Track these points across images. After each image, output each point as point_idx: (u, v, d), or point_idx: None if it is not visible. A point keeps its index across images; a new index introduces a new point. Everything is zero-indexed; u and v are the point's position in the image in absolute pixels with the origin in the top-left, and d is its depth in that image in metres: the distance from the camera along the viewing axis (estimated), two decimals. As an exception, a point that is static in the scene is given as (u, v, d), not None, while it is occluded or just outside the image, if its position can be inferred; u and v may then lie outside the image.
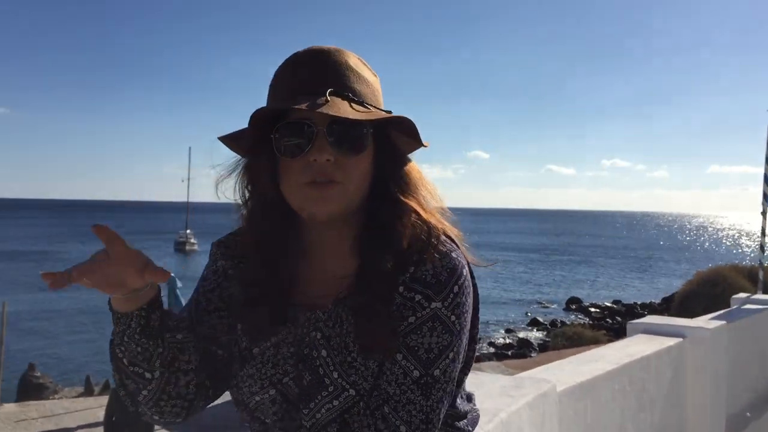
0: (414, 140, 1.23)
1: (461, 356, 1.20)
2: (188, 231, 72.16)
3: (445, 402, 1.18)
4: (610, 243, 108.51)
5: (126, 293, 1.10)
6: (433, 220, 1.23)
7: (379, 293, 1.16)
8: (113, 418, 8.25)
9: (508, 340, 29.81)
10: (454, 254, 1.19)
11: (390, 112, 1.22)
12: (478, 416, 1.41)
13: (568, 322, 33.05)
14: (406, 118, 1.18)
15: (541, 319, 35.29)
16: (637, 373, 3.84)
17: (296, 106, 1.10)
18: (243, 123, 1.16)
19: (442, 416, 1.18)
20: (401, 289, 1.16)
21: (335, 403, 1.18)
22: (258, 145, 1.18)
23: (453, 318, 1.15)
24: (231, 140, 1.21)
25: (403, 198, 1.21)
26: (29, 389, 14.29)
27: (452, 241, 1.24)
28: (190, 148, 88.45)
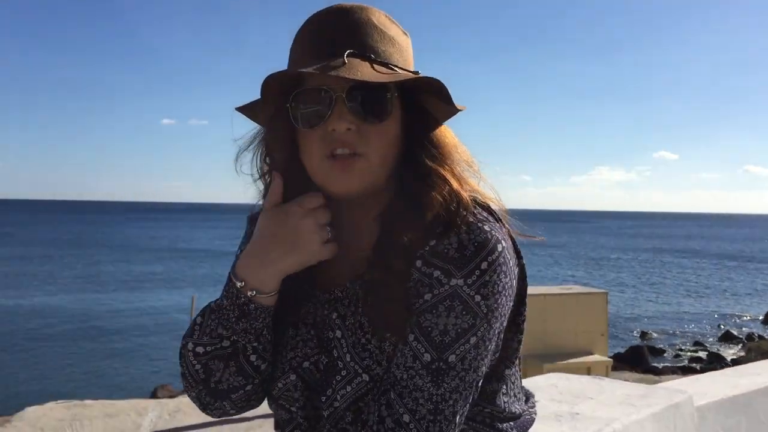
0: (448, 104, 1.09)
1: (490, 343, 1.05)
2: None
3: (464, 394, 1.04)
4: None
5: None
6: (466, 191, 1.10)
7: (394, 268, 1.05)
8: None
9: (696, 354, 27.68)
10: (486, 227, 1.05)
11: (417, 72, 1.10)
12: (532, 420, 1.24)
13: (767, 336, 30.03)
14: (434, 78, 1.05)
15: (735, 333, 32.25)
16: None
17: (306, 70, 1.00)
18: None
19: (459, 410, 1.04)
20: (419, 264, 1.04)
21: (348, 388, 1.08)
22: (276, 114, 1.10)
23: (478, 298, 1.01)
24: (249, 111, 1.14)
25: (434, 166, 1.09)
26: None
27: (492, 213, 1.11)
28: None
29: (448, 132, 1.15)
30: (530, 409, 1.25)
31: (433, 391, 1.01)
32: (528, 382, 2.93)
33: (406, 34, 1.15)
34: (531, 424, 1.24)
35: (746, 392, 2.92)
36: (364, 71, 1.02)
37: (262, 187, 1.20)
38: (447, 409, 1.02)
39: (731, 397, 2.83)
